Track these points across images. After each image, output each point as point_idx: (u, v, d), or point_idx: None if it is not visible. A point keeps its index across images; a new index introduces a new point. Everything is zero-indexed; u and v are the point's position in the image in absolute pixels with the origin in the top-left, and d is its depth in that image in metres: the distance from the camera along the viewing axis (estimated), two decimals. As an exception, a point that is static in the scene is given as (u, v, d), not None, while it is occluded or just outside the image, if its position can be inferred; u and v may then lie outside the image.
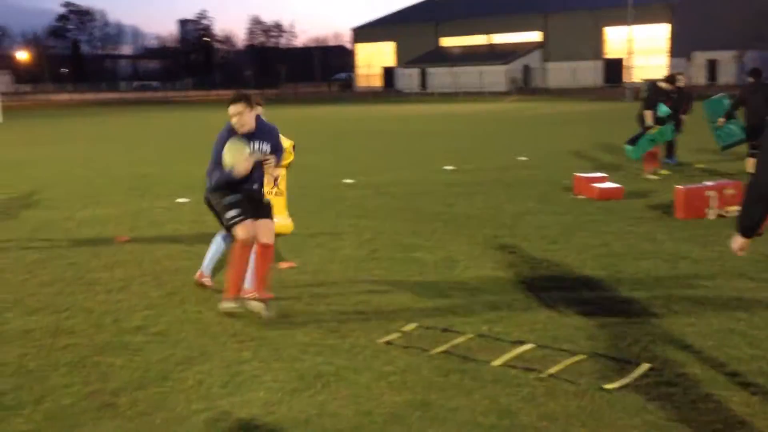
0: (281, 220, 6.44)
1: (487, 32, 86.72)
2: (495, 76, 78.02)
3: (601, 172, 12.67)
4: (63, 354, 5.12)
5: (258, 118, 5.90)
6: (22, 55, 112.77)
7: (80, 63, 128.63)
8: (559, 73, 78.05)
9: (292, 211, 10.16)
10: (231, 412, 4.20)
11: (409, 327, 5.53)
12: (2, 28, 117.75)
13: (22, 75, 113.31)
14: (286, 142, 6.46)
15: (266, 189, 6.23)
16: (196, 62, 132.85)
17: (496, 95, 66.53)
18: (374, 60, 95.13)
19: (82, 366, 4.90)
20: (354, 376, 4.65)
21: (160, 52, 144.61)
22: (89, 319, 5.88)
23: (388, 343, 5.23)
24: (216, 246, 6.72)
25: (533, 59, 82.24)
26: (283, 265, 7.48)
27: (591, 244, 8.17)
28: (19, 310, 6.15)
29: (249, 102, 5.77)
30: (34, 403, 4.33)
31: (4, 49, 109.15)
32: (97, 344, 5.32)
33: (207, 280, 6.69)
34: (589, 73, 76.66)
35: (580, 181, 11.49)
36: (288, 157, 6.46)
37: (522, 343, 5.11)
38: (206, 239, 8.03)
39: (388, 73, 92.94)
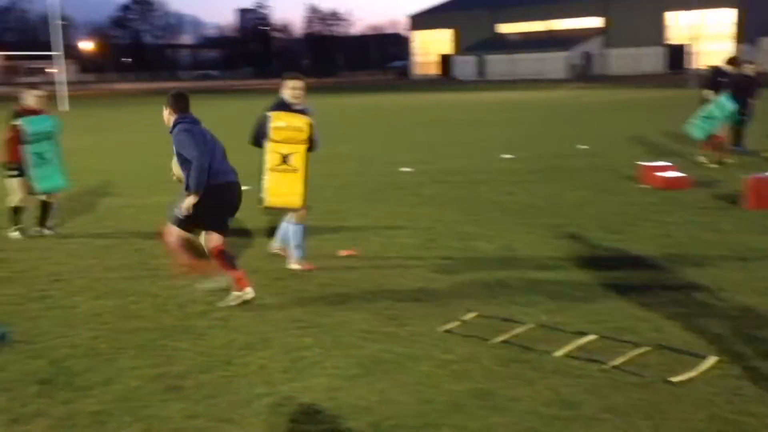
0: (291, 196, 6.58)
1: (546, 18, 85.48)
2: (554, 63, 76.95)
3: (664, 160, 12.41)
4: (131, 337, 5.26)
5: (181, 118, 5.97)
6: (87, 45, 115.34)
7: (142, 52, 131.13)
8: (621, 60, 76.55)
9: (349, 198, 10.22)
10: (293, 396, 4.25)
11: (469, 316, 5.52)
12: (68, 18, 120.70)
13: (86, 64, 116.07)
14: (300, 120, 6.52)
15: (273, 164, 6.48)
16: (254, 51, 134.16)
17: (555, 83, 65.59)
18: (431, 47, 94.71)
19: (150, 349, 5.02)
20: (414, 364, 4.67)
21: (220, 41, 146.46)
22: (155, 304, 6.02)
23: (448, 331, 5.23)
24: (283, 230, 7.12)
25: (594, 46, 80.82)
26: (343, 252, 7.53)
27: (654, 234, 8.02)
28: (88, 294, 6.33)
29: (166, 102, 6.00)
30: (104, 384, 4.46)
31: (70, 39, 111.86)
32: (163, 328, 5.44)
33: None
34: (652, 60, 75.01)
35: (645, 170, 11.28)
36: (300, 135, 6.52)
37: (584, 333, 5.05)
38: (268, 226, 8.14)
39: (446, 60, 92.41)
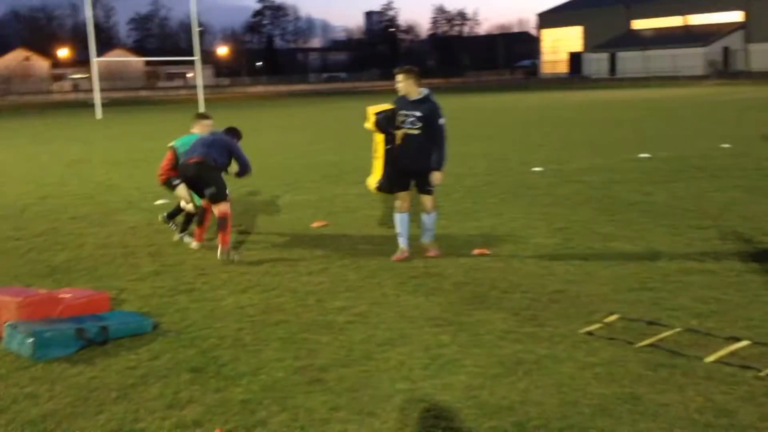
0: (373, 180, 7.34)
1: (683, 13, 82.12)
2: (691, 59, 73.81)
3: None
4: (274, 330, 5.42)
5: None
6: (222, 50, 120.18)
7: (274, 56, 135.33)
8: (764, 56, 72.51)
9: (481, 197, 10.22)
10: (433, 393, 4.25)
11: (611, 318, 5.35)
12: (205, 25, 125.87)
13: (221, 69, 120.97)
14: (369, 112, 7.13)
15: (376, 152, 7.26)
16: (381, 53, 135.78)
17: (692, 80, 62.90)
18: (560, 45, 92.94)
19: (292, 342, 5.15)
20: (556, 365, 4.57)
21: (348, 44, 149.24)
22: (295, 298, 6.18)
23: (590, 333, 5.09)
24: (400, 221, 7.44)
25: (734, 41, 76.97)
26: (476, 251, 7.49)
27: (810, 237, 7.54)
28: (231, 288, 6.57)
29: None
30: (251, 374, 4.61)
31: (206, 45, 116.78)
32: (304, 322, 5.57)
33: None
34: (798, 54, 70.72)
35: (795, 169, 10.63)
36: (370, 126, 7.12)
37: (737, 339, 4.80)
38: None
39: (575, 58, 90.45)
